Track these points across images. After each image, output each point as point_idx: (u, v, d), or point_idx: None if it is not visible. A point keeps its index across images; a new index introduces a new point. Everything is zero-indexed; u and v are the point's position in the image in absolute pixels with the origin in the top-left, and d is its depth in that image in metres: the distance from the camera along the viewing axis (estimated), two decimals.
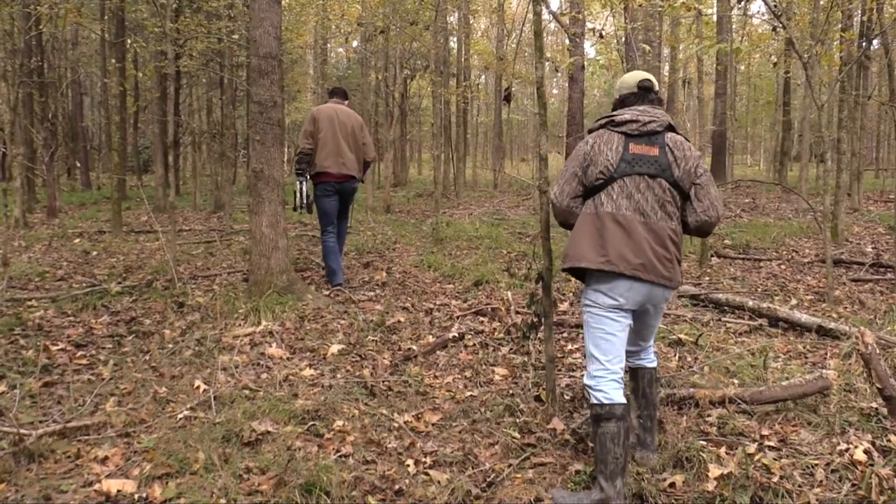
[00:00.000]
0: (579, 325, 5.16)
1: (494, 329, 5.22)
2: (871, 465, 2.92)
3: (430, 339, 4.96)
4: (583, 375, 4.02)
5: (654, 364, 3.19)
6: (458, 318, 5.55)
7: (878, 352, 3.09)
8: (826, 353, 4.56)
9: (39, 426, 3.37)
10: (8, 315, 5.25)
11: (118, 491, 2.81)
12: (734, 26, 18.01)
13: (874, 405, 3.50)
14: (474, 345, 4.89)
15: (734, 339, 4.91)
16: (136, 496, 2.77)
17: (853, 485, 2.84)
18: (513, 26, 23.83)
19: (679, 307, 5.77)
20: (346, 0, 18.20)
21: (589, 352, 2.98)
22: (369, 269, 7.43)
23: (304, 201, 6.61)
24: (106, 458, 3.12)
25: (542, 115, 3.50)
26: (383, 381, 4.13)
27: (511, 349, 4.79)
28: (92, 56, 20.05)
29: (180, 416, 3.56)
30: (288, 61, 19.98)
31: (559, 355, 4.60)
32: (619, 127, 2.97)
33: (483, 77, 33.37)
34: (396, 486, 2.88)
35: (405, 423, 3.52)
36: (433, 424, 3.56)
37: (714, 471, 2.87)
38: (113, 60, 12.44)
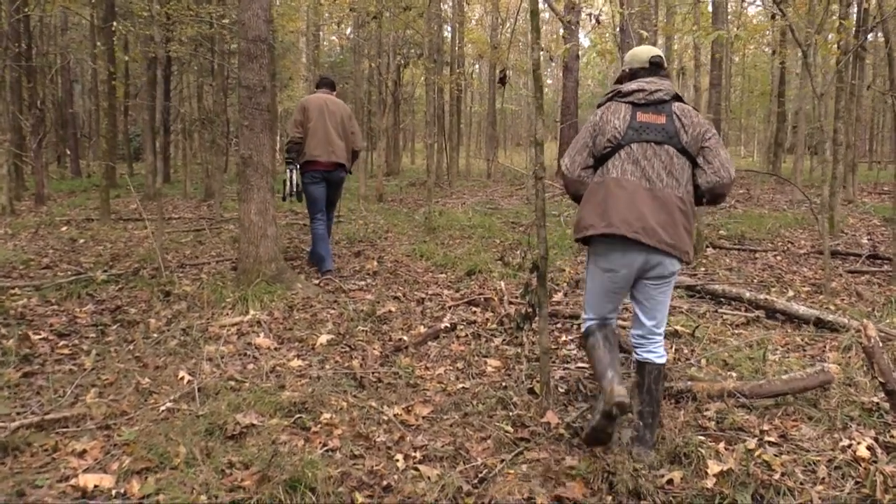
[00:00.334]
0: (574, 316, 5.07)
1: (487, 319, 5.12)
2: (875, 461, 2.83)
3: (422, 329, 4.85)
4: (577, 367, 3.94)
5: (663, 360, 3.09)
6: (450, 308, 5.45)
7: (880, 345, 3.00)
8: (825, 346, 4.47)
9: (17, 418, 3.26)
10: None
11: (95, 486, 2.70)
12: (730, 17, 17.89)
13: (875, 399, 3.43)
14: (466, 335, 4.78)
15: (731, 330, 4.82)
16: (113, 492, 2.66)
17: (857, 482, 2.76)
18: (507, 15, 23.66)
19: (675, 298, 5.67)
20: None
21: (586, 299, 3.27)
22: (360, 259, 7.31)
23: (294, 189, 6.59)
24: (84, 451, 3.00)
25: (539, 99, 3.39)
26: (373, 373, 4.02)
27: (504, 340, 4.69)
28: (82, 42, 19.77)
29: (163, 408, 3.44)
30: (280, 48, 19.76)
31: (553, 346, 4.50)
32: (627, 97, 3.05)
33: (477, 66, 33.18)
34: (385, 482, 2.77)
35: (395, 415, 3.41)
36: (424, 417, 3.45)
37: (713, 467, 2.78)
38: (99, 44, 12.23)
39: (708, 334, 4.63)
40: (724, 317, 5.15)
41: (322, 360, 4.23)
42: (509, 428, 3.28)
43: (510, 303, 5.37)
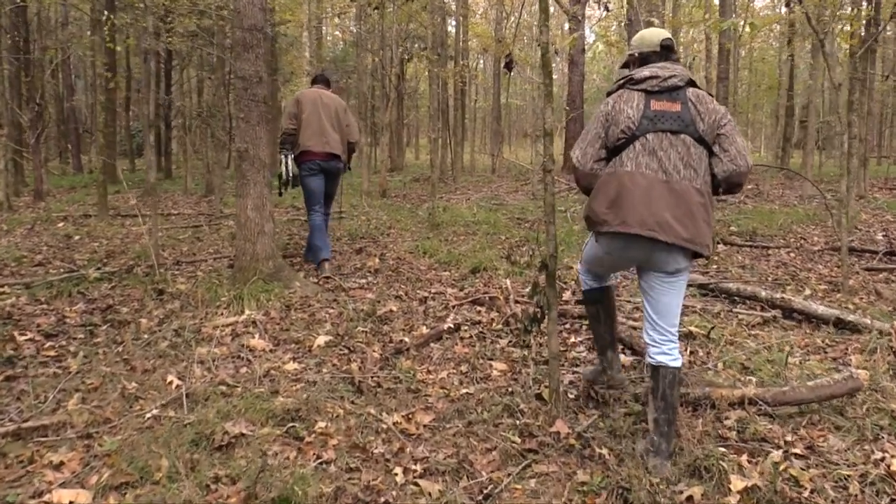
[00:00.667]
0: (582, 316, 4.85)
1: (492, 319, 4.90)
2: None
3: (424, 330, 4.64)
4: (587, 369, 3.72)
5: (678, 363, 2.88)
6: (453, 307, 5.23)
7: None
8: (846, 348, 4.24)
9: None
10: None
11: (70, 502, 2.51)
12: (737, 10, 17.62)
13: None
14: (471, 336, 4.57)
15: (748, 331, 4.59)
16: None
17: (892, 500, 2.54)
18: (512, 9, 23.36)
19: (687, 296, 5.44)
20: None
21: (584, 254, 3.33)
22: (361, 256, 7.11)
23: (290, 175, 6.48)
24: (62, 463, 2.81)
25: (548, 86, 3.16)
26: (372, 377, 3.81)
27: (510, 342, 4.48)
28: (82, 36, 19.57)
29: (148, 415, 3.25)
30: (284, 43, 19.52)
31: (562, 349, 4.29)
32: (639, 84, 2.87)
33: (481, 60, 32.91)
34: (382, 499, 2.56)
35: (394, 424, 3.21)
36: (425, 426, 3.24)
37: (737, 483, 2.57)
38: (96, 38, 12.03)
39: (724, 336, 4.41)
40: (740, 317, 4.92)
41: (319, 363, 4.03)
42: (516, 438, 3.06)
43: (516, 302, 5.15)
